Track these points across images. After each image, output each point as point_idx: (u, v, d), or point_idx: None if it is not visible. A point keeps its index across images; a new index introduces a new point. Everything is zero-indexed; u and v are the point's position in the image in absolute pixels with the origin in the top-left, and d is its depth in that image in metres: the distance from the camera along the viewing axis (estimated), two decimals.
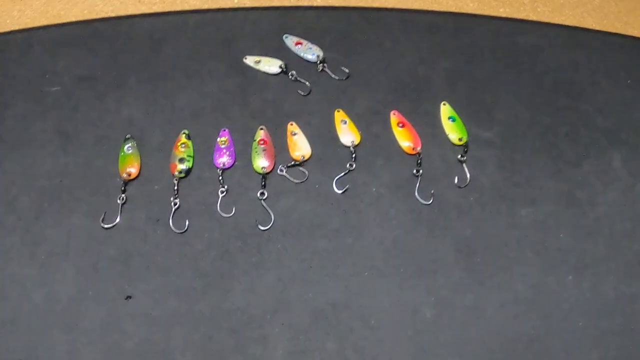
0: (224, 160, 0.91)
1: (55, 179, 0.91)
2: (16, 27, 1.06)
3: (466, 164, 0.92)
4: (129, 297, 0.84)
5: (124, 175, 0.90)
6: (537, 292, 0.84)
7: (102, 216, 0.88)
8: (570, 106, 0.97)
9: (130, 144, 0.92)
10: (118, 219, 0.88)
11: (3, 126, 0.95)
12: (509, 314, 0.83)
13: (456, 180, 0.90)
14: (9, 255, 0.86)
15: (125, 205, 0.89)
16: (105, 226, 0.87)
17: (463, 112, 0.95)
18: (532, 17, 1.07)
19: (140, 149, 0.92)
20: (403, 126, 0.94)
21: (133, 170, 0.90)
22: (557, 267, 0.86)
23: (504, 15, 1.03)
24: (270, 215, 0.88)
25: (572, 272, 0.86)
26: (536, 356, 0.81)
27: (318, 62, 0.99)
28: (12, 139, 0.94)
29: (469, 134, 0.94)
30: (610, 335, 0.83)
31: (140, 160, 0.91)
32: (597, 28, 1.06)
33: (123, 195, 0.89)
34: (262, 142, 0.92)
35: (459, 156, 0.92)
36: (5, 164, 0.92)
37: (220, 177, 0.90)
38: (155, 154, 0.92)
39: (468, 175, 0.91)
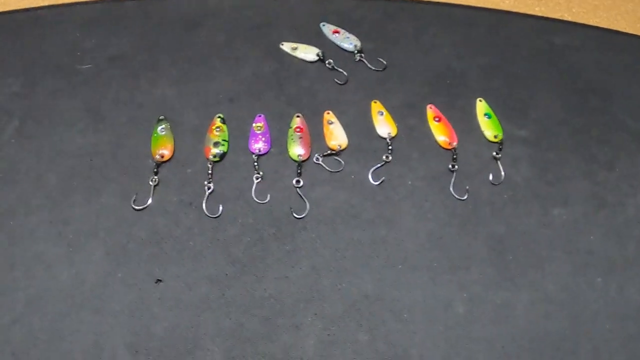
0: (259, 146, 0.88)
1: (84, 158, 0.88)
2: (46, 3, 1.02)
3: (500, 161, 0.89)
4: (159, 280, 0.81)
5: (157, 156, 0.87)
6: (566, 293, 0.82)
7: (134, 197, 0.84)
8: (601, 108, 0.95)
9: (163, 125, 0.89)
10: (150, 201, 0.84)
11: (32, 102, 0.91)
12: (538, 313, 0.81)
13: (490, 177, 0.88)
14: (36, 233, 0.83)
15: (157, 188, 0.86)
16: (137, 208, 0.84)
17: (498, 109, 0.93)
18: (567, 17, 1.05)
19: (174, 130, 0.89)
20: (439, 120, 0.91)
21: (166, 152, 0.87)
22: (586, 268, 0.84)
23: (539, 14, 1.01)
24: (306, 204, 0.85)
25: (601, 274, 0.84)
26: (564, 357, 0.79)
27: (355, 51, 0.97)
28: (41, 115, 0.90)
29: (503, 131, 0.91)
30: (637, 339, 0.81)
31: (174, 142, 0.88)
32: (630, 31, 1.04)
33: (155, 177, 0.86)
34: (298, 129, 0.89)
35: (494, 153, 0.90)
36: (33, 140, 0.89)
37: (256, 163, 0.87)
38: (189, 136, 0.90)
39: (502, 173, 0.88)
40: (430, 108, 0.93)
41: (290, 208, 0.85)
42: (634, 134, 0.94)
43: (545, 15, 1.00)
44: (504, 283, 0.82)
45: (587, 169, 0.90)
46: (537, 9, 1.05)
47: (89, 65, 0.94)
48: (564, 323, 0.81)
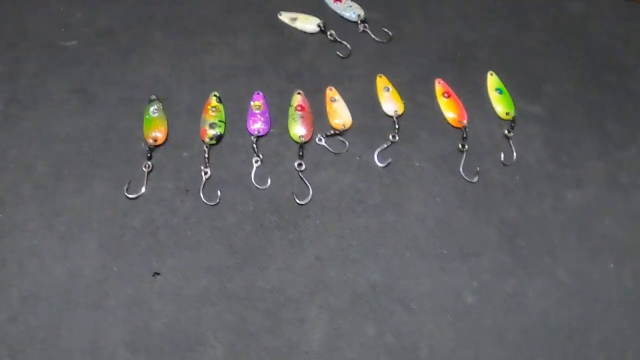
0: (258, 126, 0.76)
1: (74, 143, 0.77)
2: None
3: (512, 140, 0.77)
4: (156, 273, 0.71)
5: (150, 140, 0.75)
6: (579, 280, 0.73)
7: (127, 185, 0.73)
8: (618, 83, 0.83)
9: (155, 106, 0.77)
10: (144, 189, 0.74)
11: (17, 83, 0.79)
12: (550, 301, 0.72)
13: (502, 157, 0.77)
14: (26, 226, 0.73)
15: (151, 174, 0.75)
16: (130, 196, 0.73)
17: (509, 83, 0.81)
18: None
19: (167, 111, 0.77)
20: (448, 96, 0.79)
21: (159, 135, 0.76)
22: (599, 254, 0.75)
23: None
24: (309, 189, 0.74)
25: (614, 260, 0.74)
26: (576, 348, 0.71)
27: (359, 21, 0.83)
28: (27, 97, 0.79)
29: (515, 108, 0.79)
30: None
31: (167, 124, 0.76)
32: None
33: (149, 162, 0.75)
34: (299, 107, 0.77)
35: (506, 131, 0.78)
36: (19, 124, 0.77)
37: (255, 145, 0.76)
38: (184, 117, 0.78)
39: (514, 153, 0.77)
40: (439, 83, 0.80)
41: (293, 193, 0.74)
42: None
43: None
44: (515, 270, 0.73)
45: (601, 149, 0.80)
46: None
47: (74, 42, 0.80)
48: (576, 312, 0.72)
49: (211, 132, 0.76)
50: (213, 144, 0.76)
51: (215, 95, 0.78)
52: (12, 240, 0.72)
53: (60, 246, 0.71)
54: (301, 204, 0.74)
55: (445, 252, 0.73)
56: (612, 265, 0.74)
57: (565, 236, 0.75)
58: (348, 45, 0.82)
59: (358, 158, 0.76)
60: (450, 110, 0.79)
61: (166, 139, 0.76)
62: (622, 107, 0.81)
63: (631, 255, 0.74)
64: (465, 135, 0.78)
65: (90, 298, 0.70)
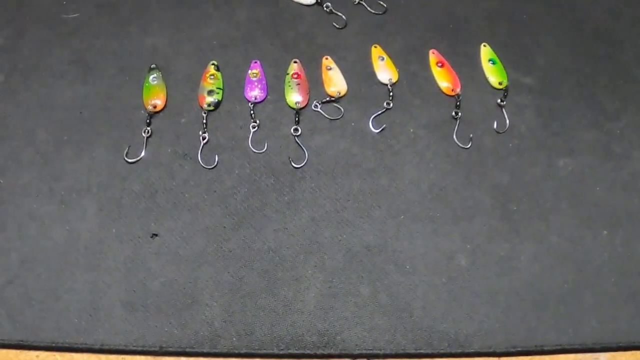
0: (255, 93, 0.78)
1: (74, 111, 0.78)
2: None
3: (505, 109, 0.79)
4: (154, 235, 0.73)
5: (149, 107, 0.77)
6: (571, 245, 0.74)
7: (126, 150, 0.75)
8: (610, 56, 0.84)
9: (155, 75, 0.79)
10: (143, 154, 0.76)
11: (19, 54, 0.81)
12: (542, 265, 0.73)
13: (495, 125, 0.78)
14: (27, 190, 0.74)
15: (150, 139, 0.77)
16: (130, 161, 0.75)
17: (503, 55, 0.83)
18: None
19: (166, 79, 0.79)
20: (442, 66, 0.81)
21: (159, 102, 0.77)
22: (592, 221, 0.76)
23: None
24: (304, 153, 0.76)
25: (606, 227, 0.75)
26: (567, 310, 0.72)
27: None
28: (29, 67, 0.80)
29: (508, 78, 0.81)
30: None
31: (167, 91, 0.78)
32: None
33: (148, 128, 0.76)
34: (295, 75, 0.79)
35: (499, 100, 0.80)
36: (21, 94, 0.79)
37: (252, 111, 0.78)
38: (182, 85, 0.80)
39: (507, 121, 0.78)
40: (433, 53, 0.82)
41: (289, 157, 0.76)
42: None
43: None
44: (507, 235, 0.74)
45: (593, 119, 0.81)
46: None
47: (76, 15, 0.82)
48: (568, 276, 0.73)
49: (209, 99, 0.77)
50: (211, 110, 0.77)
51: (213, 64, 0.80)
52: (12, 205, 0.73)
53: (60, 210, 0.73)
54: (297, 167, 0.75)
55: (438, 215, 0.75)
56: (605, 232, 0.75)
57: (557, 202, 0.76)
58: (344, 17, 0.83)
59: (353, 124, 0.78)
60: (443, 79, 0.80)
61: (165, 106, 0.78)
62: (613, 79, 0.82)
63: (623, 223, 0.75)
64: (458, 104, 0.79)
65: (88, 260, 0.71)
